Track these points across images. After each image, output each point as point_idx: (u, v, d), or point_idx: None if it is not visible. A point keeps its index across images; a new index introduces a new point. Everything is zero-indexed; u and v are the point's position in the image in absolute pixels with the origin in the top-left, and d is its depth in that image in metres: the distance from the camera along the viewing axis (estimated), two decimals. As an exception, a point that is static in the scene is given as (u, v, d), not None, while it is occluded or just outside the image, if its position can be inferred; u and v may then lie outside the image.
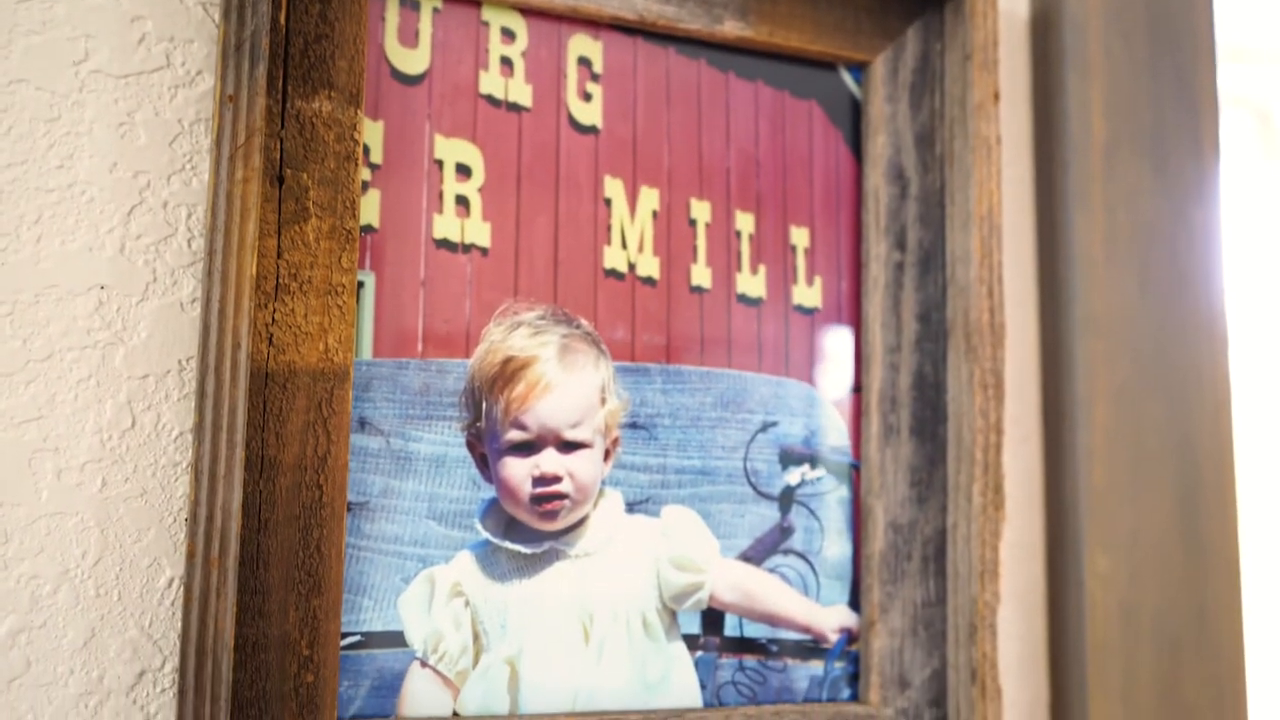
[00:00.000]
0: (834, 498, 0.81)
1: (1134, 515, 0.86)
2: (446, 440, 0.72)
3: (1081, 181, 0.89)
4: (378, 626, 0.70)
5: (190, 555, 0.64)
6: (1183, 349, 0.90)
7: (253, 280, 0.66)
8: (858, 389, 0.83)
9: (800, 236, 0.82)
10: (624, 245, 0.78)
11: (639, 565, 0.76)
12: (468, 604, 0.72)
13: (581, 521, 0.75)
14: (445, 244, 0.74)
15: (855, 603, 0.81)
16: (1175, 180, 0.92)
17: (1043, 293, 0.90)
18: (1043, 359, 0.90)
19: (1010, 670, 0.85)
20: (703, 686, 0.76)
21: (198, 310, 0.70)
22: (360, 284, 0.71)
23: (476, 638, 0.72)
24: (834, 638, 0.80)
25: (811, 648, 0.79)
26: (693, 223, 0.80)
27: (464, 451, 0.73)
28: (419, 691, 0.70)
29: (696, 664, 0.76)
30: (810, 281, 0.82)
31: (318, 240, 0.69)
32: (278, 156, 0.67)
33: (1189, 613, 0.87)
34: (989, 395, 0.80)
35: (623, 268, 0.77)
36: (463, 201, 0.74)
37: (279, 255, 0.68)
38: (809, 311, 0.82)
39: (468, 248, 0.74)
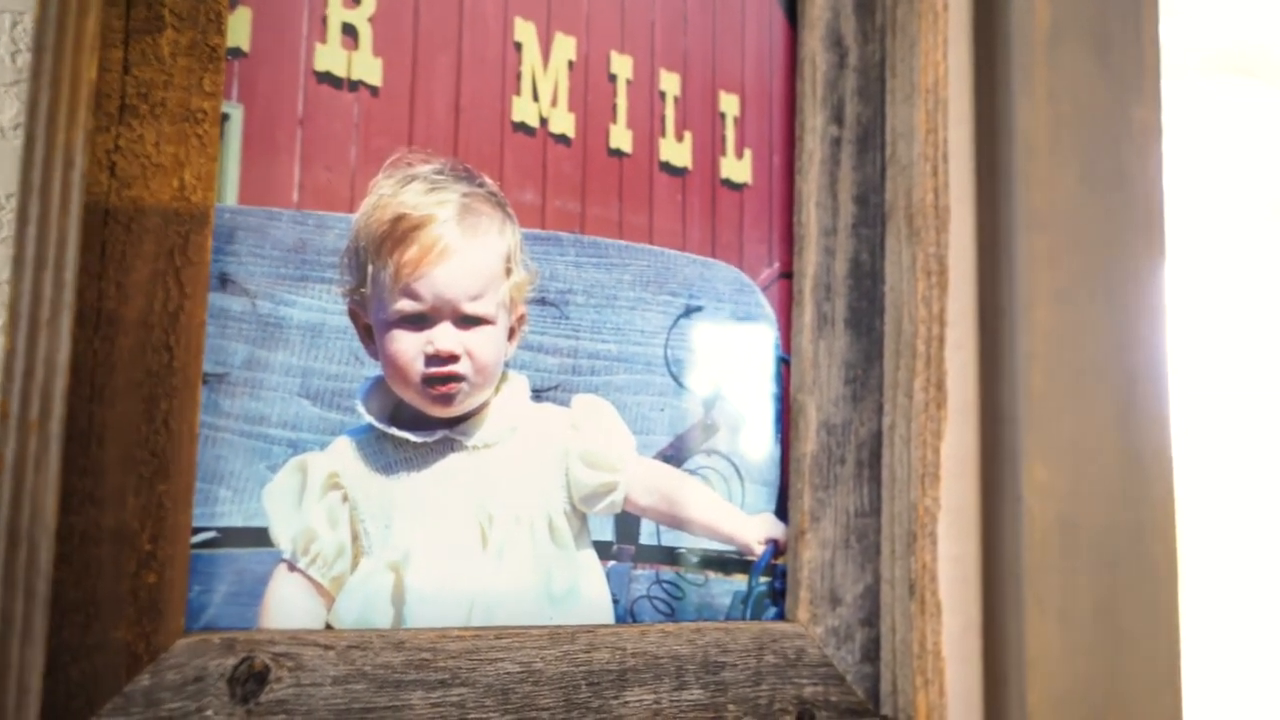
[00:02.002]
0: (762, 394, 0.73)
1: (1074, 425, 0.80)
2: (324, 306, 0.61)
3: (1025, 67, 0.82)
4: (237, 521, 0.58)
5: (3, 415, 0.52)
6: (1122, 250, 0.85)
7: (91, 91, 0.54)
8: (788, 274, 0.74)
9: (730, 103, 0.74)
10: (535, 97, 0.68)
11: (546, 461, 0.66)
12: (346, 498, 0.61)
13: (481, 408, 0.65)
14: (328, 78, 0.63)
15: (783, 511, 0.72)
16: (1117, 73, 0.86)
17: (981, 183, 0.83)
18: (980, 255, 0.83)
19: (944, 587, 0.78)
20: (615, 600, 0.67)
21: (21, 138, 0.57)
22: (225, 116, 0.60)
23: (356, 538, 0.61)
24: (760, 549, 0.71)
25: (735, 560, 0.71)
26: (613, 78, 0.70)
27: (345, 320, 0.62)
28: (286, 599, 0.59)
29: (609, 575, 0.67)
30: (740, 154, 0.74)
31: (174, 56, 0.57)
32: (125, -60, 0.55)
33: (1128, 529, 0.82)
34: (932, 282, 0.73)
35: (533, 122, 0.67)
36: (350, 31, 0.63)
37: (125, 70, 0.56)
38: (738, 187, 0.73)
39: (355, 85, 0.63)
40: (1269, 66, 1.97)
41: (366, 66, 0.63)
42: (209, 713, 0.54)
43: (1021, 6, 0.83)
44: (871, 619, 0.72)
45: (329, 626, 0.60)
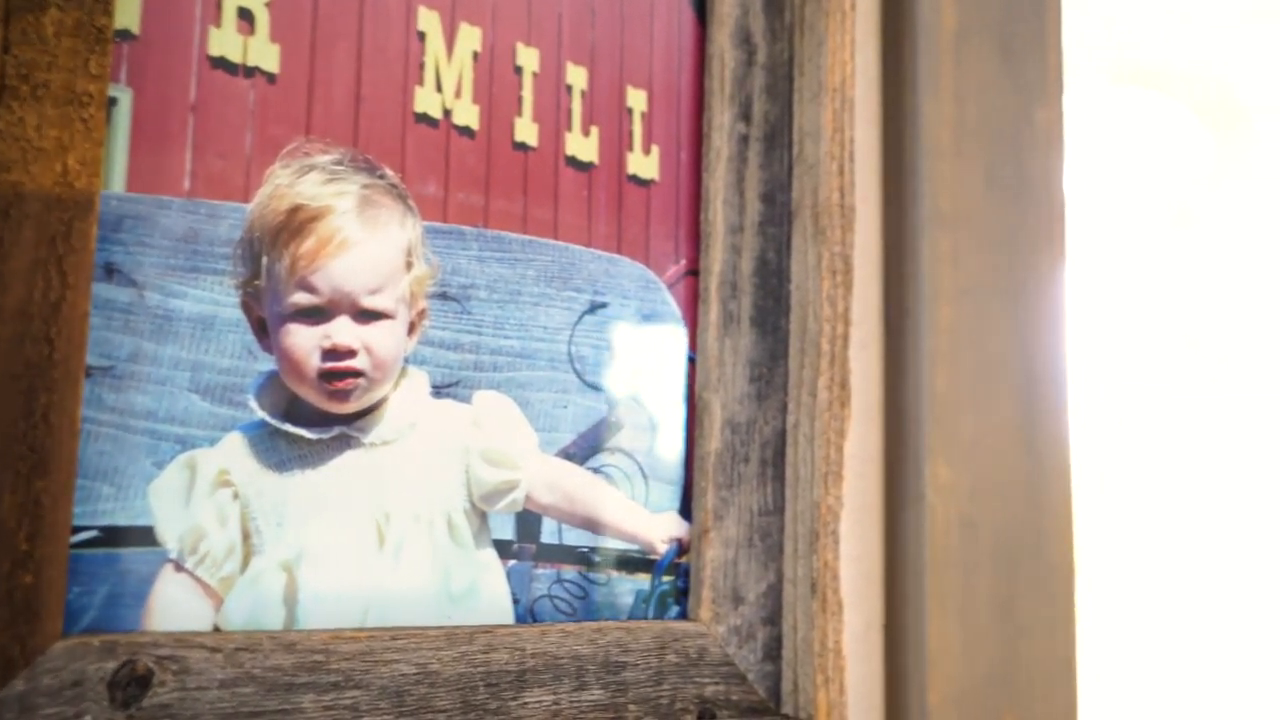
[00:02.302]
0: (667, 392, 0.72)
1: (976, 425, 0.81)
2: (216, 298, 0.60)
3: (931, 69, 0.83)
4: (121, 520, 0.56)
5: None
6: (1025, 250, 0.86)
7: (-35, 71, 0.52)
8: (695, 272, 0.74)
9: (637, 99, 0.73)
10: (439, 88, 0.66)
11: (445, 458, 0.65)
12: (236, 496, 0.60)
13: (378, 404, 0.63)
14: (223, 64, 0.61)
15: (687, 510, 0.72)
16: (1021, 77, 0.87)
17: (888, 183, 0.84)
18: (886, 254, 0.83)
19: (846, 586, 0.78)
20: (515, 600, 0.66)
21: (-109, 117, 0.55)
22: (113, 100, 0.58)
23: (246, 537, 0.60)
24: (663, 548, 0.71)
25: (638, 559, 0.70)
26: (518, 70, 0.69)
27: (238, 313, 0.60)
28: (172, 600, 0.57)
29: (509, 574, 0.66)
30: (647, 150, 0.73)
31: (58, 36, 0.55)
32: (4, -86, 0.53)
33: (1027, 528, 0.83)
34: (837, 281, 0.73)
35: (436, 113, 0.66)
36: (246, 15, 0.62)
37: (5, 49, 0.54)
38: (645, 183, 0.73)
39: (250, 71, 0.61)
40: (1171, 79, 2.02)
41: (263, 52, 0.62)
42: (87, 718, 0.52)
43: (929, 8, 0.83)
44: (774, 618, 0.72)
45: (217, 628, 0.58)
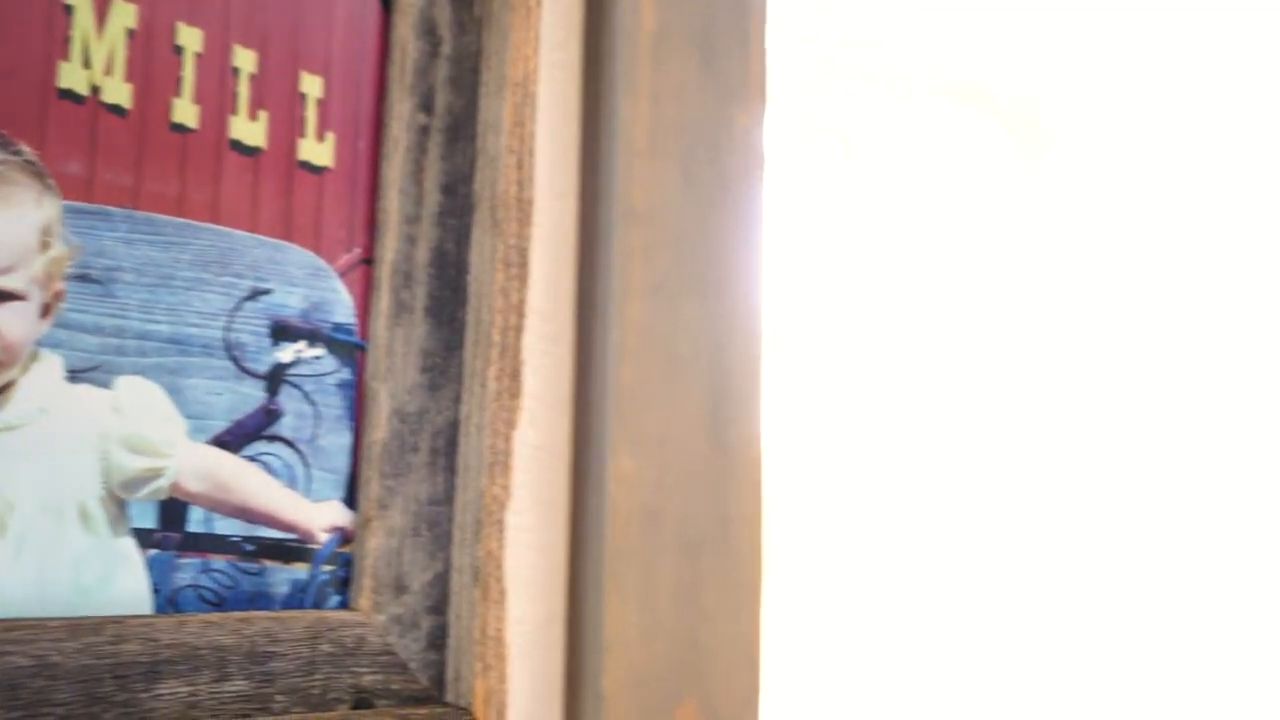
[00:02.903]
0: (334, 380, 0.72)
1: (663, 418, 0.83)
2: None
3: (629, 69, 0.84)
4: None
5: None
6: (721, 251, 0.88)
7: None
8: (370, 261, 0.74)
9: (313, 85, 0.72)
10: (87, 64, 0.64)
11: (79, 445, 0.63)
12: None
13: (6, 388, 0.61)
14: None
15: (353, 499, 0.72)
16: (723, 80, 0.90)
17: (584, 182, 0.85)
18: (580, 251, 0.84)
19: (529, 578, 0.79)
20: (156, 590, 0.65)
21: None
22: None
23: None
24: (324, 537, 0.70)
25: (297, 548, 0.70)
26: (178, 50, 0.68)
27: None
28: None
29: (150, 564, 0.65)
30: (321, 137, 0.72)
31: None
32: None
33: (713, 519, 0.85)
34: (511, 274, 0.74)
35: (83, 90, 0.64)
36: None
37: None
38: (318, 170, 0.72)
39: None
40: (981, 96, 2.11)
41: (-120, 18, 0.59)
42: None
43: (628, 9, 0.85)
44: (441, 607, 0.72)
45: None
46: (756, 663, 0.86)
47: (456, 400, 0.74)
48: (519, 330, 0.74)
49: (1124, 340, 2.08)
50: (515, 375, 0.73)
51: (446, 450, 0.73)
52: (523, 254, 0.74)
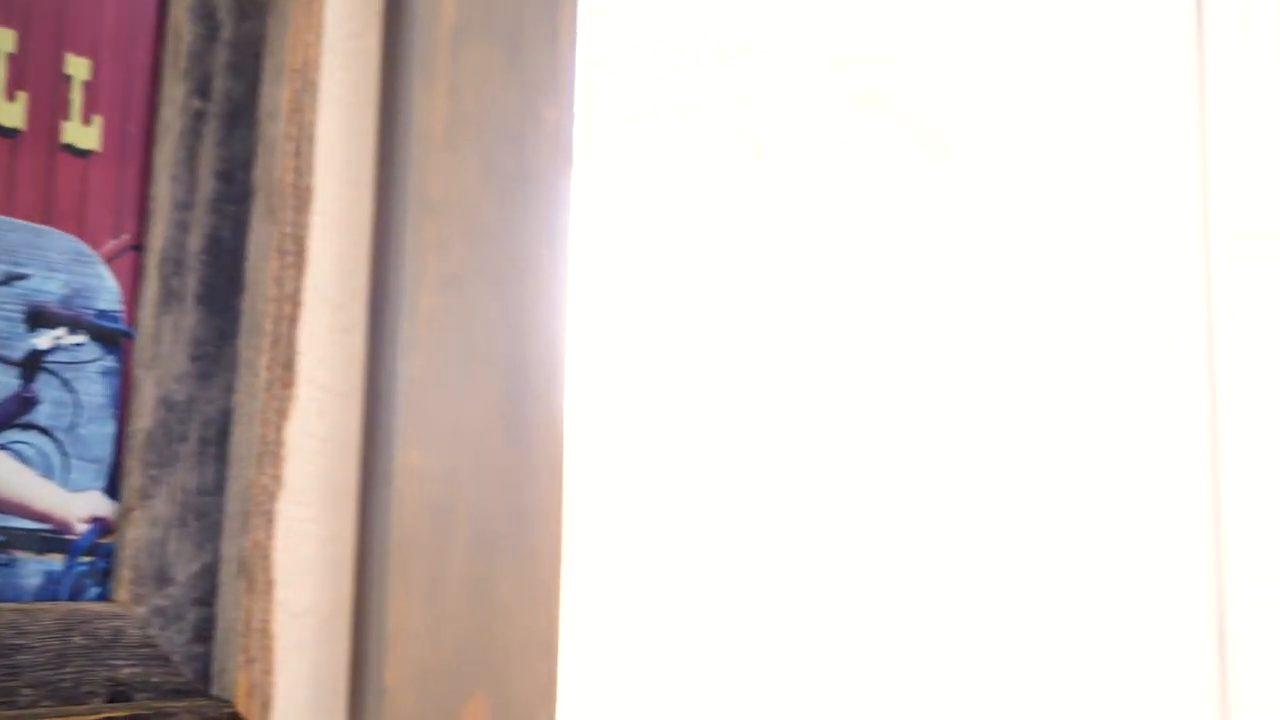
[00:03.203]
0: (97, 368, 0.70)
1: (456, 410, 0.83)
2: None
3: (426, 60, 0.84)
4: None
5: None
6: (523, 244, 0.88)
7: None
8: (140, 248, 0.72)
9: (79, 67, 0.71)
10: None
11: None
12: None
13: None
14: None
15: (117, 490, 0.70)
16: (529, 75, 0.90)
17: (381, 174, 0.84)
18: (375, 243, 0.84)
19: (313, 570, 0.78)
20: (-107, 581, 0.63)
21: None
22: None
23: None
24: (82, 528, 0.69)
25: (50, 539, 0.68)
26: (-71, 28, 0.66)
27: None
28: None
29: (-114, 553, 0.63)
30: (88, 120, 0.71)
31: None
32: None
33: (509, 512, 0.85)
34: (287, 262, 0.73)
35: None
36: None
37: None
38: (84, 154, 0.71)
39: None
40: (891, 105, 2.14)
41: None
42: None
43: (427, 1, 0.84)
44: (210, 599, 0.71)
45: None
46: (554, 658, 0.86)
47: (230, 390, 0.73)
48: (294, 319, 0.73)
49: (1014, 341, 2.12)
50: (289, 364, 0.73)
51: (218, 440, 0.72)
52: (299, 242, 0.74)
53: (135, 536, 0.69)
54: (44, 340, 0.68)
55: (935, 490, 2.06)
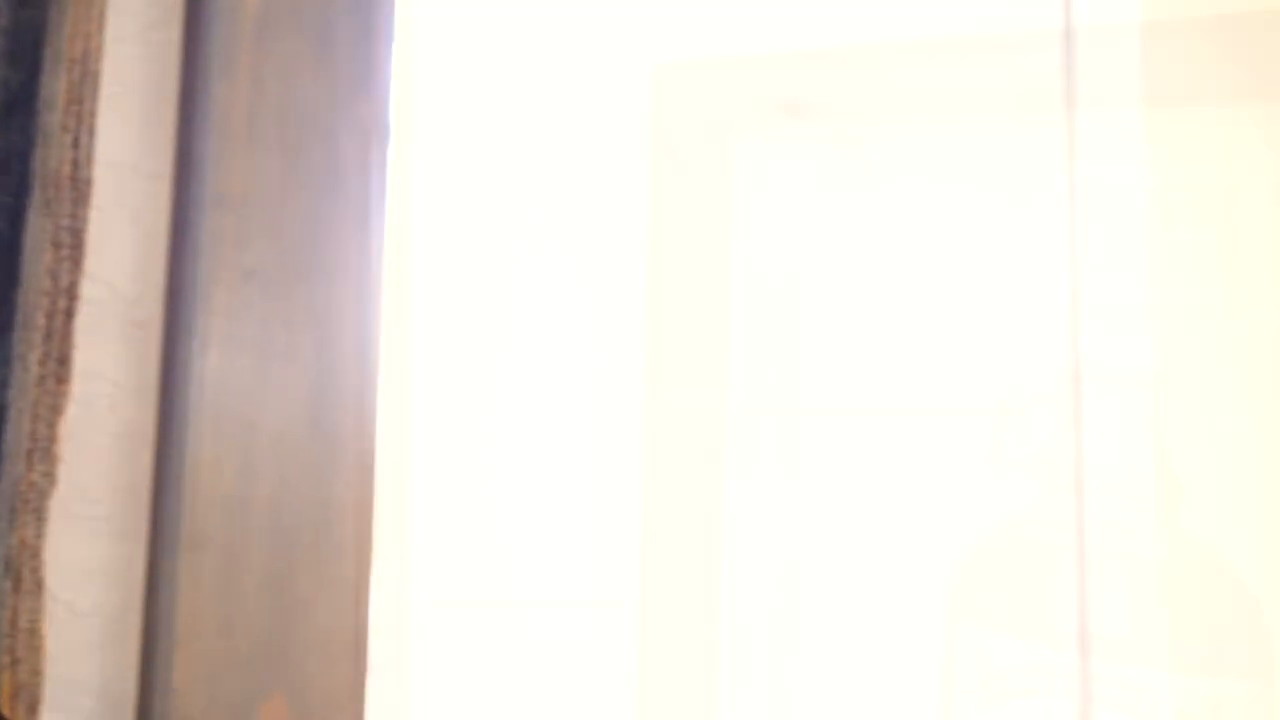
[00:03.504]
0: None
1: (254, 405, 0.82)
2: None
3: (227, 52, 0.83)
4: None
5: None
6: (333, 238, 0.87)
7: None
8: (-95, 240, 0.71)
9: None
10: None
11: None
12: None
13: None
14: None
15: (-122, 488, 0.69)
16: (342, 70, 0.89)
17: (179, 167, 0.83)
18: (172, 237, 0.83)
19: (103, 568, 0.77)
20: None
21: None
22: None
23: None
24: None
25: None
26: None
27: None
28: None
29: None
30: None
31: None
32: None
33: (314, 506, 0.84)
34: (62, 255, 0.72)
35: None
36: None
37: None
38: None
39: None
40: (818, 111, 2.15)
41: None
42: None
43: (229, -9, 0.83)
44: (-22, 599, 0.70)
45: None
46: (360, 658, 0.86)
47: (5, 386, 0.72)
48: (69, 314, 0.72)
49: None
50: (63, 360, 0.71)
51: (-10, 437, 0.71)
52: (77, 235, 0.72)
53: (-105, 536, 0.67)
54: None
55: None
